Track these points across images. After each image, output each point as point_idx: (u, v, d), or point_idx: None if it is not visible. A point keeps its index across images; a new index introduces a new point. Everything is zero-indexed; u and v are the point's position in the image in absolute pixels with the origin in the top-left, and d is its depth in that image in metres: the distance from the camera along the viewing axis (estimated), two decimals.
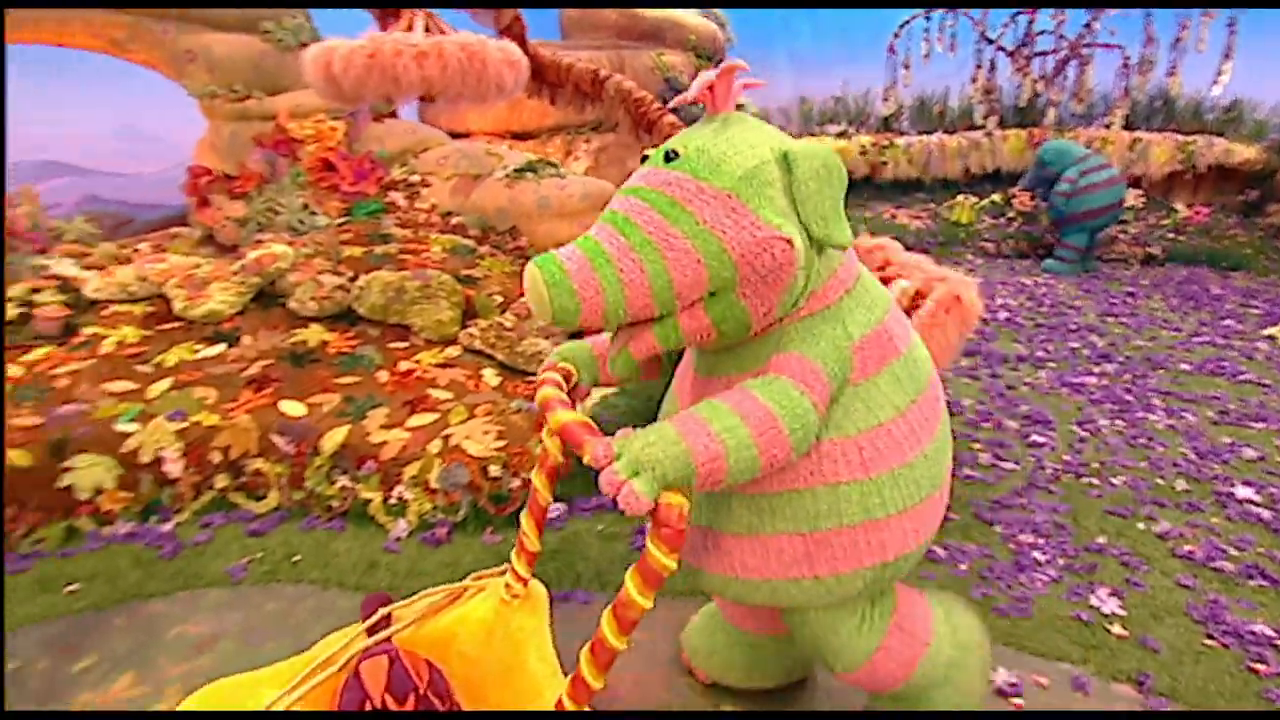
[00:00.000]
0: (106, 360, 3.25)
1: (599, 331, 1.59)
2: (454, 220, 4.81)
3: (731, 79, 1.37)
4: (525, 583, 1.62)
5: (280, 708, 1.34)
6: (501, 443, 2.88)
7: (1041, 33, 9.27)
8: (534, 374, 3.35)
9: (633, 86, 4.56)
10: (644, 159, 1.39)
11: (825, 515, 1.44)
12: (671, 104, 1.56)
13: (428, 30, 3.06)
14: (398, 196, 4.69)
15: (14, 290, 3.38)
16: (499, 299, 3.98)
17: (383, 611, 1.59)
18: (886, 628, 1.64)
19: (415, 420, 2.96)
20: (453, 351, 3.57)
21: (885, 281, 3.40)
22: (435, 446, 2.83)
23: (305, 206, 4.16)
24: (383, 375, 3.29)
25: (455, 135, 6.19)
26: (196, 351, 3.36)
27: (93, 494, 2.83)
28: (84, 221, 4.18)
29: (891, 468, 1.45)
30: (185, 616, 2.43)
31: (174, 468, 2.91)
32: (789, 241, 1.26)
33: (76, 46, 5.19)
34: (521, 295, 3.97)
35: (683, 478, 1.20)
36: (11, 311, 3.31)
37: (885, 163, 9.86)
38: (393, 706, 1.35)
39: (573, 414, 1.33)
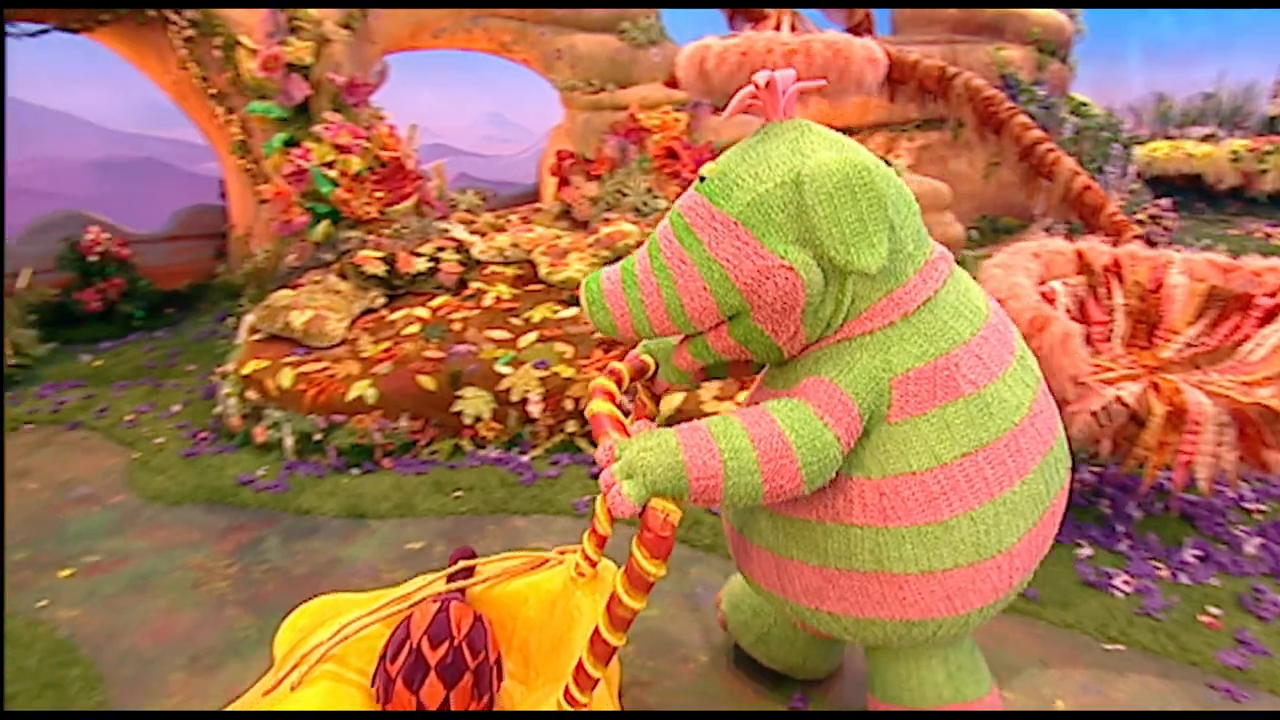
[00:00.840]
0: (488, 311, 3.89)
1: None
2: None
3: (777, 87, 1.29)
4: (594, 564, 1.62)
5: (354, 628, 1.51)
6: None
7: None
8: None
9: (982, 84, 4.38)
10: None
11: (836, 554, 1.38)
12: (725, 114, 1.45)
13: (794, 29, 3.22)
14: None
15: (425, 248, 4.16)
16: None
17: (463, 564, 1.68)
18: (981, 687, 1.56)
19: (743, 395, 3.17)
20: None
21: (1276, 310, 2.95)
22: None
23: (649, 190, 4.59)
24: None
25: None
26: (556, 312, 3.89)
27: (474, 421, 3.41)
28: (473, 194, 5.01)
29: (917, 522, 1.31)
30: (540, 534, 2.87)
31: (535, 409, 3.41)
32: (791, 269, 1.23)
33: (476, 50, 6.23)
34: None
35: (674, 489, 1.17)
36: (422, 265, 4.09)
37: (1265, 171, 8.35)
38: (427, 650, 1.43)
39: (605, 405, 1.36)
